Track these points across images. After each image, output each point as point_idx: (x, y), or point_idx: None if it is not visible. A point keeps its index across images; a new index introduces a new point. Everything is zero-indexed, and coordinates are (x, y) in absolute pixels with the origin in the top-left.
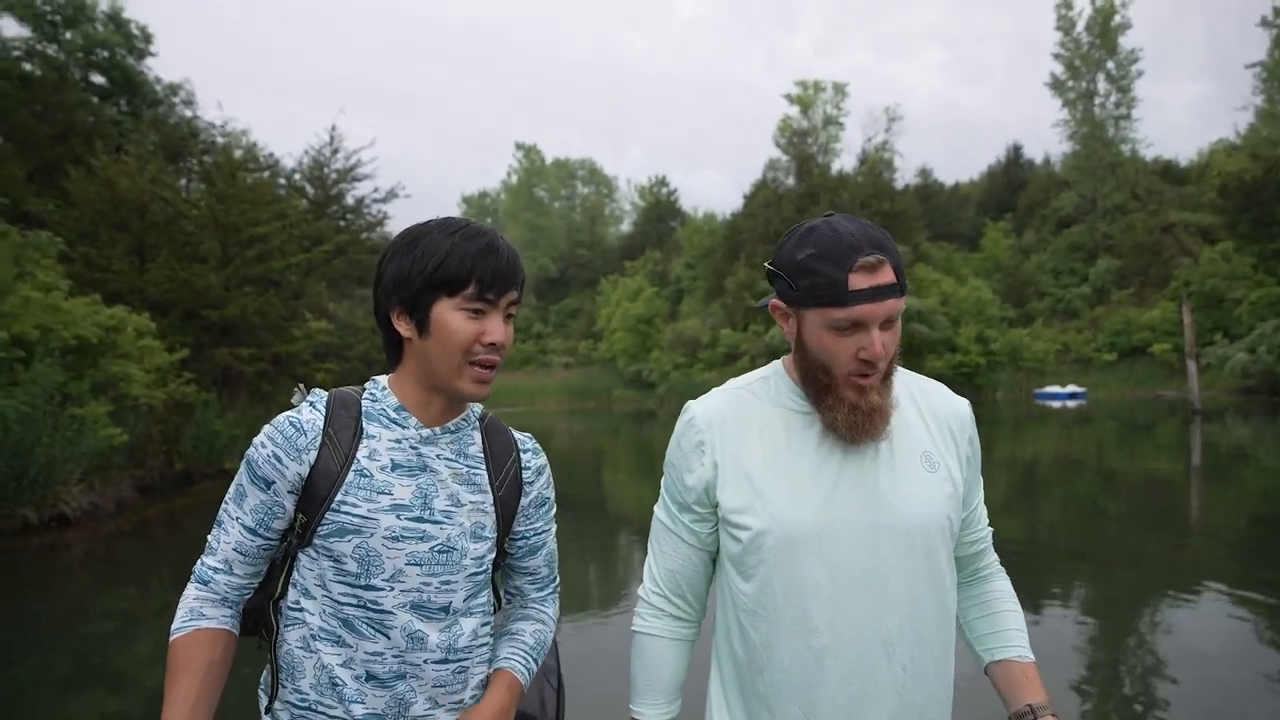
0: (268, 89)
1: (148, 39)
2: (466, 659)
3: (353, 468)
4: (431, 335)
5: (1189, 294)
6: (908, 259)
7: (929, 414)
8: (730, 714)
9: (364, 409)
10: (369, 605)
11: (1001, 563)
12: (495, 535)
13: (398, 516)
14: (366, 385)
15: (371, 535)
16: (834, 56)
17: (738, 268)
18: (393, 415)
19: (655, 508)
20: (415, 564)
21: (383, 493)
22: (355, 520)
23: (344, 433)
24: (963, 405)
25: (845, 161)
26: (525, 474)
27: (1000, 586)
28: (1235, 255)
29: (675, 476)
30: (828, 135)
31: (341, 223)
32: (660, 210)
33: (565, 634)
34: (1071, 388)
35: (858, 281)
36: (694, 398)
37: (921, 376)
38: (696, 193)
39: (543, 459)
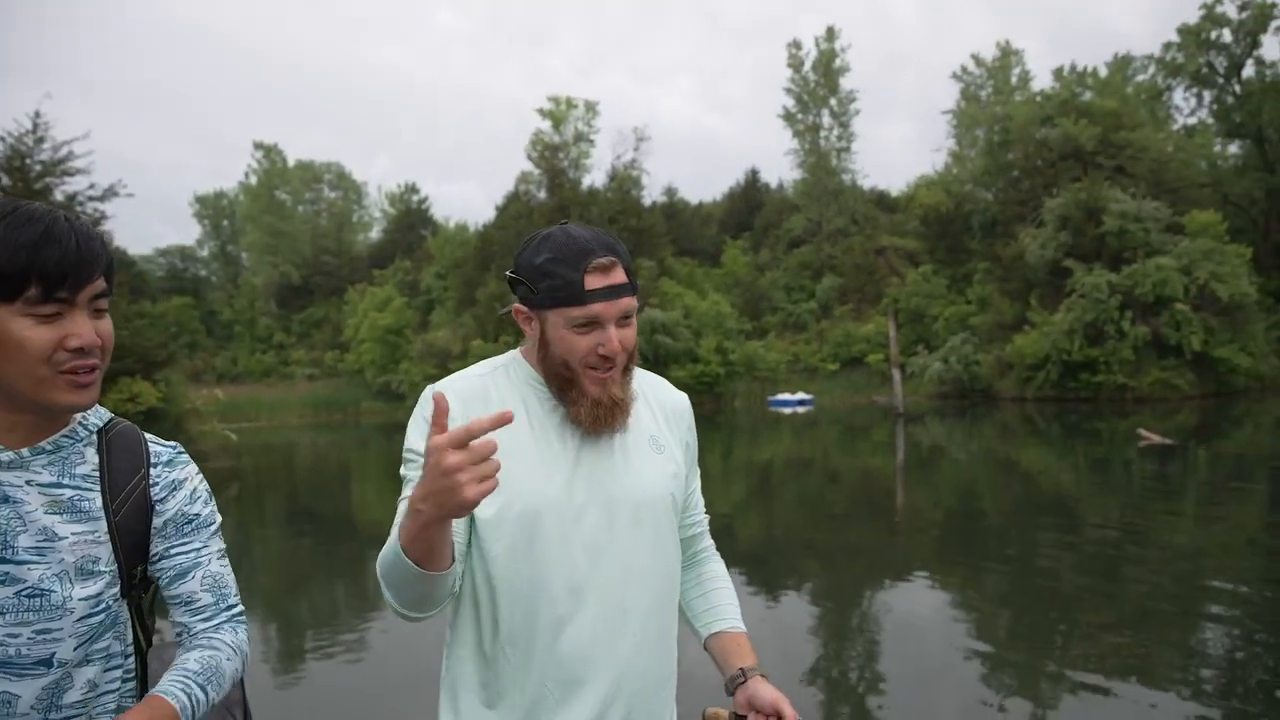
0: None
1: None
2: (78, 715)
3: None
4: None
5: (895, 311)
6: (653, 273)
7: (654, 403)
8: (477, 685)
9: None
10: None
11: (742, 557)
12: (115, 568)
13: None
14: None
15: None
16: (591, 78)
17: (489, 278)
18: None
19: (403, 494)
20: None
21: None
22: None
23: None
24: (682, 397)
25: (596, 177)
26: (154, 491)
27: (715, 568)
28: (933, 277)
29: (421, 453)
30: (579, 151)
31: None
32: (411, 218)
33: (301, 660)
34: (800, 395)
35: (593, 281)
36: None
37: (645, 371)
38: (451, 202)
39: (182, 472)
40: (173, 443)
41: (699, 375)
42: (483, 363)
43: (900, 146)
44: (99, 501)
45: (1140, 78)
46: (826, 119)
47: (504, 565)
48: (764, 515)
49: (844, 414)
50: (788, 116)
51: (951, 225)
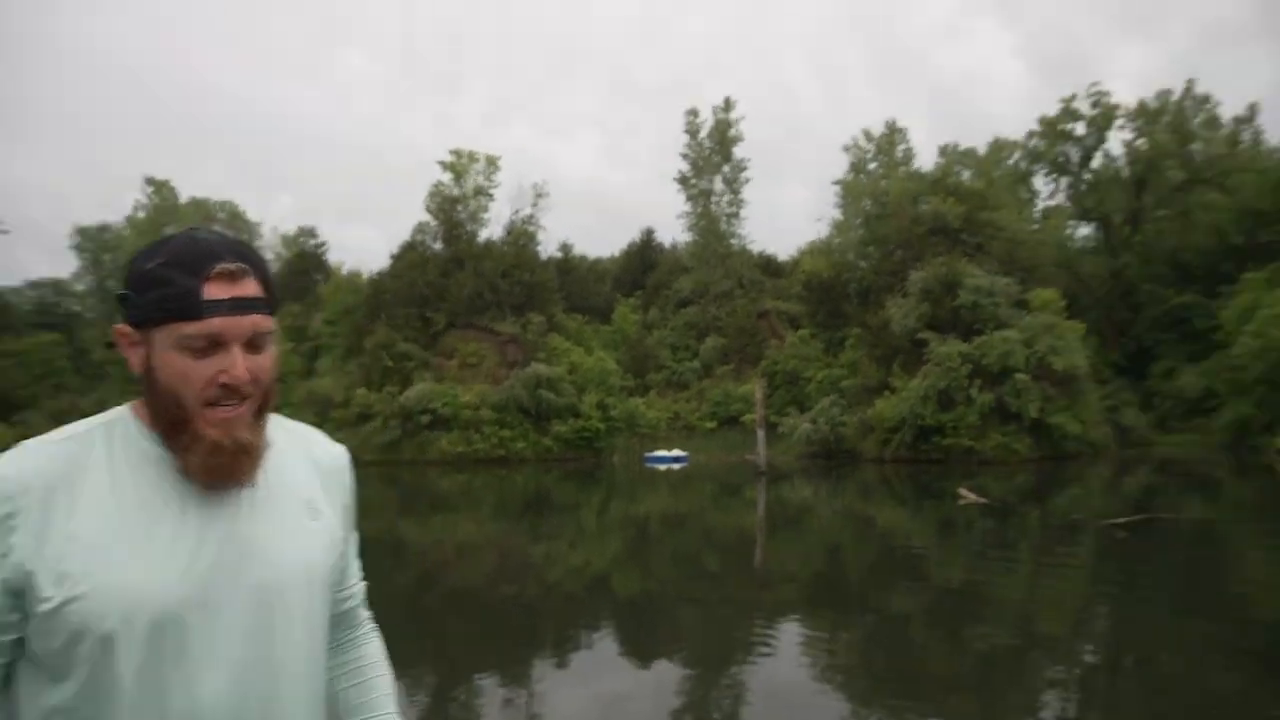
0: None
1: None
2: None
3: None
4: None
5: (769, 373)
6: (542, 329)
7: (309, 459)
8: None
9: None
10: None
11: (620, 608)
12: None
13: None
14: None
15: None
16: (497, 126)
17: (378, 327)
18: None
19: None
20: None
21: None
22: None
23: None
24: (341, 451)
25: (493, 230)
26: None
27: (373, 651)
28: (811, 340)
29: None
30: (477, 204)
31: None
32: (305, 263)
33: None
34: (676, 451)
35: (214, 291)
36: None
37: (296, 422)
38: (351, 245)
39: None
40: None
41: (579, 430)
42: (78, 423)
43: (795, 212)
44: None
45: (1012, 160)
46: (719, 185)
47: (96, 692)
48: (642, 569)
49: (719, 471)
50: (682, 180)
51: (831, 291)
